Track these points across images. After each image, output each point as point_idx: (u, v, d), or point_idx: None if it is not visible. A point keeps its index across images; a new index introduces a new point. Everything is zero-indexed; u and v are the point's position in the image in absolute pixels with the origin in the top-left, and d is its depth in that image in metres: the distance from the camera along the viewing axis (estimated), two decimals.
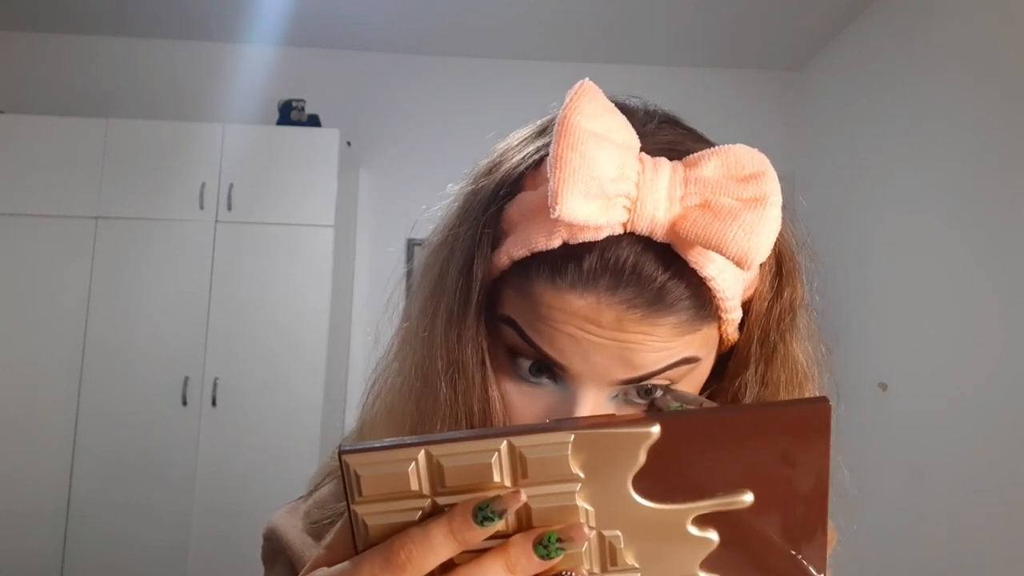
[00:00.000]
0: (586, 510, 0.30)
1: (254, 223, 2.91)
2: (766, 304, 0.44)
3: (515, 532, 0.30)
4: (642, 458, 0.29)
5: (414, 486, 0.29)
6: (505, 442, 0.28)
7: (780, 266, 0.45)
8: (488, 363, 0.41)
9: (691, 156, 0.39)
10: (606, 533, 0.30)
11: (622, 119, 0.38)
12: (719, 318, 0.41)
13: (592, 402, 0.40)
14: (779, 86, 3.48)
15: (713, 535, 0.30)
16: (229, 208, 2.90)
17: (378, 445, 0.28)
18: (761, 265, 0.43)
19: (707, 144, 0.42)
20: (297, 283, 2.89)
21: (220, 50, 3.37)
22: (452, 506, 0.29)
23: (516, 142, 0.45)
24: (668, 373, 0.39)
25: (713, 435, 0.29)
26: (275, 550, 0.53)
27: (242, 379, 2.83)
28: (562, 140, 0.35)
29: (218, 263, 2.88)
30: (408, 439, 0.29)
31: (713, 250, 0.36)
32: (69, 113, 3.08)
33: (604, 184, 0.35)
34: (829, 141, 3.19)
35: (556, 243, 0.38)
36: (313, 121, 3.14)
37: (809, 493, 0.30)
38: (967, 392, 2.21)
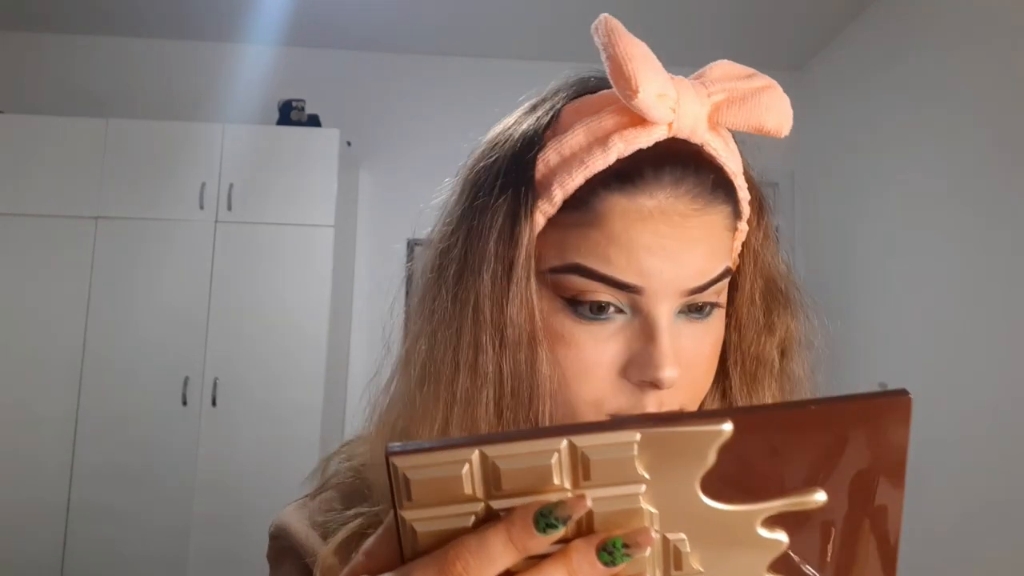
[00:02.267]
0: (650, 512, 0.28)
1: (254, 223, 2.91)
2: (753, 231, 0.49)
3: (575, 536, 0.27)
4: (712, 457, 0.27)
5: (467, 490, 0.27)
6: (565, 442, 0.26)
7: (760, 199, 0.49)
8: (539, 324, 0.42)
9: (692, 75, 0.44)
10: (670, 536, 0.28)
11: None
12: (740, 219, 0.46)
13: (667, 321, 0.41)
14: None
15: (783, 536, 0.29)
16: (229, 208, 2.90)
17: (427, 446, 0.26)
18: (749, 202, 0.47)
19: None
20: (297, 283, 2.89)
21: (220, 50, 3.37)
22: (508, 511, 0.27)
23: (512, 120, 0.47)
24: (715, 287, 0.43)
25: (786, 431, 0.27)
26: (283, 548, 0.52)
27: (242, 379, 2.83)
28: (621, 39, 0.40)
29: (218, 263, 2.88)
30: (459, 439, 0.27)
31: (752, 130, 0.43)
32: (69, 113, 3.08)
33: (664, 78, 0.40)
34: (829, 141, 3.19)
35: (612, 158, 0.40)
36: (313, 121, 3.14)
37: (884, 490, 0.29)
38: (967, 392, 2.21)
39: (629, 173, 0.40)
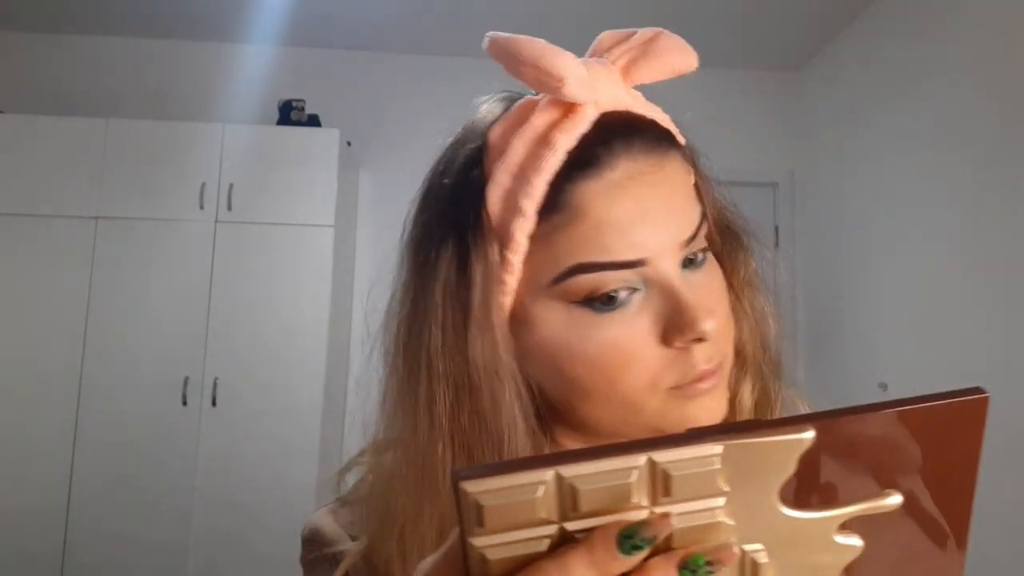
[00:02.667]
0: (728, 525, 0.27)
1: (254, 223, 2.91)
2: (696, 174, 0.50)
3: (652, 553, 0.26)
4: (793, 466, 0.26)
5: (542, 513, 0.25)
6: (645, 458, 0.25)
7: (689, 144, 0.50)
8: (502, 358, 0.42)
9: (586, 54, 0.46)
10: (747, 548, 0.28)
11: None
12: (690, 162, 0.47)
13: (679, 278, 0.42)
14: (777, 86, 3.49)
15: (856, 541, 0.28)
16: (229, 208, 2.90)
17: (499, 467, 0.25)
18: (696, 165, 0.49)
19: None
20: (297, 283, 2.89)
21: (220, 50, 3.37)
22: (584, 532, 0.26)
23: (438, 171, 0.48)
24: (701, 232, 0.44)
25: (866, 435, 0.27)
26: (317, 553, 0.51)
27: (242, 379, 2.83)
28: (520, 43, 0.42)
29: (218, 263, 2.88)
30: (530, 459, 0.25)
31: (667, 76, 0.45)
32: (69, 113, 3.08)
33: (575, 61, 0.41)
34: (828, 141, 3.19)
35: (562, 153, 0.41)
36: (313, 121, 3.14)
37: (956, 490, 0.28)
38: None
39: (584, 158, 0.41)
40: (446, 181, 0.45)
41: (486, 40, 0.43)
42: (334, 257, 2.93)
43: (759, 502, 0.27)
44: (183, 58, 3.37)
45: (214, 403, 2.81)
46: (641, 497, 0.26)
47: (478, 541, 0.25)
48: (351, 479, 0.56)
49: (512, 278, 0.42)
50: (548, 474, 0.25)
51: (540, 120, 0.42)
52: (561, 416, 0.46)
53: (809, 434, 0.26)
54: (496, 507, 0.25)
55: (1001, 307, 2.11)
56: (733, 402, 0.48)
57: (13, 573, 2.71)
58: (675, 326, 0.41)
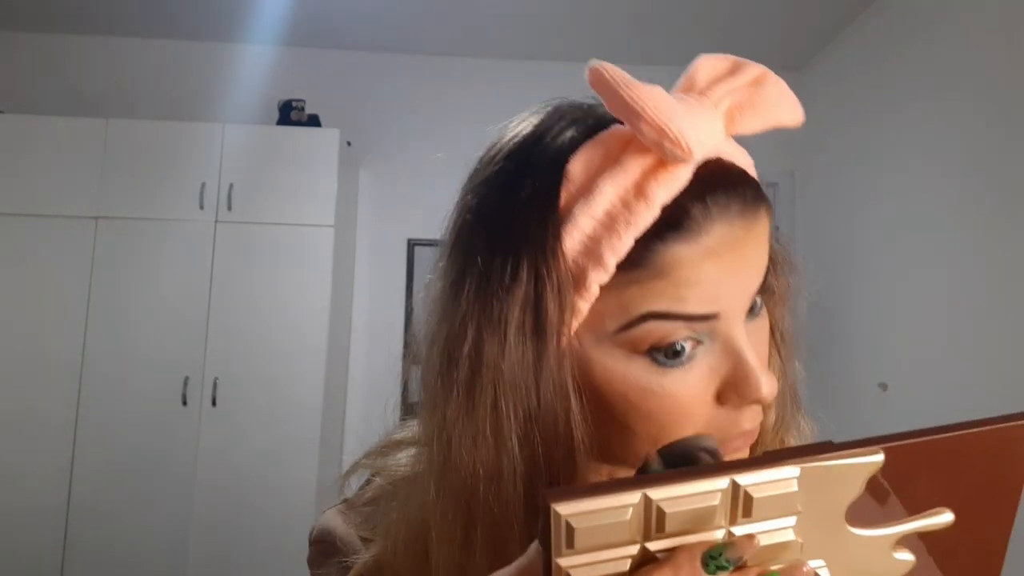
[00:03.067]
0: (798, 543, 0.28)
1: (254, 223, 2.91)
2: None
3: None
4: (861, 487, 0.28)
5: (628, 534, 0.26)
6: (729, 481, 0.26)
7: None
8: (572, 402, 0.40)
9: (676, 86, 0.42)
10: (812, 564, 0.29)
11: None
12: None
13: (743, 338, 0.41)
14: None
15: (910, 556, 0.30)
16: (229, 208, 2.90)
17: (589, 490, 0.26)
18: None
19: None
20: (297, 283, 2.89)
21: (220, 50, 3.37)
22: (665, 551, 0.27)
23: (501, 184, 0.43)
24: (766, 280, 0.43)
25: (929, 457, 0.29)
26: (327, 552, 0.51)
27: (242, 379, 2.83)
28: (641, 93, 0.37)
29: (218, 263, 2.88)
30: (617, 482, 0.26)
31: (769, 129, 0.42)
32: (69, 113, 3.09)
33: (690, 117, 0.38)
34: (829, 141, 3.19)
35: (658, 209, 0.38)
36: (313, 121, 3.14)
37: (1000, 506, 0.30)
38: (967, 392, 2.21)
39: (680, 219, 0.38)
40: (513, 206, 0.41)
41: (591, 70, 0.38)
42: (334, 257, 2.93)
43: (827, 520, 0.29)
44: (183, 58, 3.37)
45: (214, 403, 2.81)
46: (722, 518, 0.27)
47: (565, 561, 0.26)
48: (355, 481, 0.56)
49: (577, 322, 0.40)
50: (636, 496, 0.26)
51: (634, 165, 0.39)
52: (587, 444, 0.45)
53: (879, 457, 0.28)
54: (587, 529, 0.25)
55: (1001, 307, 2.11)
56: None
57: (13, 571, 2.71)
58: (735, 388, 0.40)
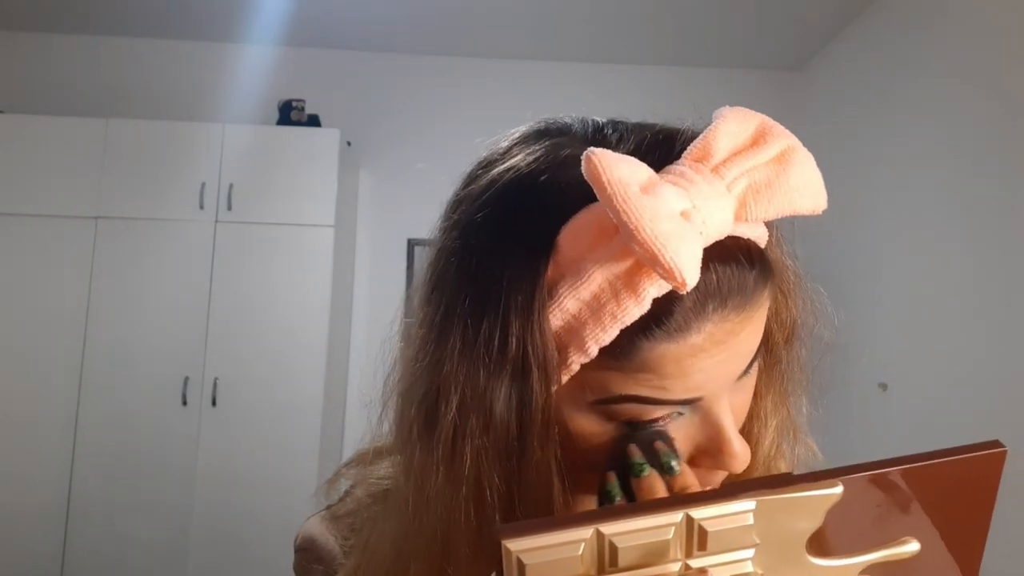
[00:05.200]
0: (757, 574, 0.28)
1: (254, 223, 2.91)
2: None
3: None
4: (821, 518, 0.28)
5: (581, 569, 0.26)
6: (682, 515, 0.26)
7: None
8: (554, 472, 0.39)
9: (692, 150, 0.38)
10: None
11: (631, 159, 0.36)
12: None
13: (727, 414, 0.40)
14: (779, 86, 3.49)
15: None
16: (229, 208, 2.90)
17: (540, 525, 0.26)
18: None
19: (660, 129, 0.43)
20: (297, 283, 2.89)
21: (220, 50, 3.37)
22: None
23: (486, 238, 0.40)
24: (757, 358, 0.41)
25: (890, 488, 0.28)
26: (311, 560, 0.51)
27: (242, 379, 2.83)
28: (632, 204, 0.33)
29: (218, 263, 2.88)
30: (571, 517, 0.26)
31: (785, 216, 0.39)
32: (69, 113, 3.08)
33: (686, 226, 0.34)
34: (829, 141, 3.19)
35: (647, 306, 0.36)
36: (313, 121, 3.14)
37: (970, 534, 0.30)
38: (967, 392, 2.21)
39: (670, 317, 0.36)
40: (501, 268, 0.38)
41: (586, 160, 0.34)
42: (334, 257, 2.93)
43: (787, 552, 0.28)
44: (183, 58, 3.37)
45: (214, 403, 2.81)
46: (677, 551, 0.27)
47: None
48: (343, 485, 0.56)
49: (555, 387, 0.39)
50: (588, 531, 0.26)
51: (628, 252, 0.35)
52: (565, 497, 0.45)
53: (838, 489, 0.27)
54: (538, 565, 0.25)
55: (1001, 307, 2.11)
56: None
57: (13, 572, 2.71)
58: (709, 456, 0.40)
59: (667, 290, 0.35)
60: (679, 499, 0.27)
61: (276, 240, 2.91)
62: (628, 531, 0.26)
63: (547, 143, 0.42)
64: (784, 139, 0.39)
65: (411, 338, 0.43)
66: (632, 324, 0.36)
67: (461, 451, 0.39)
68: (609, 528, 0.26)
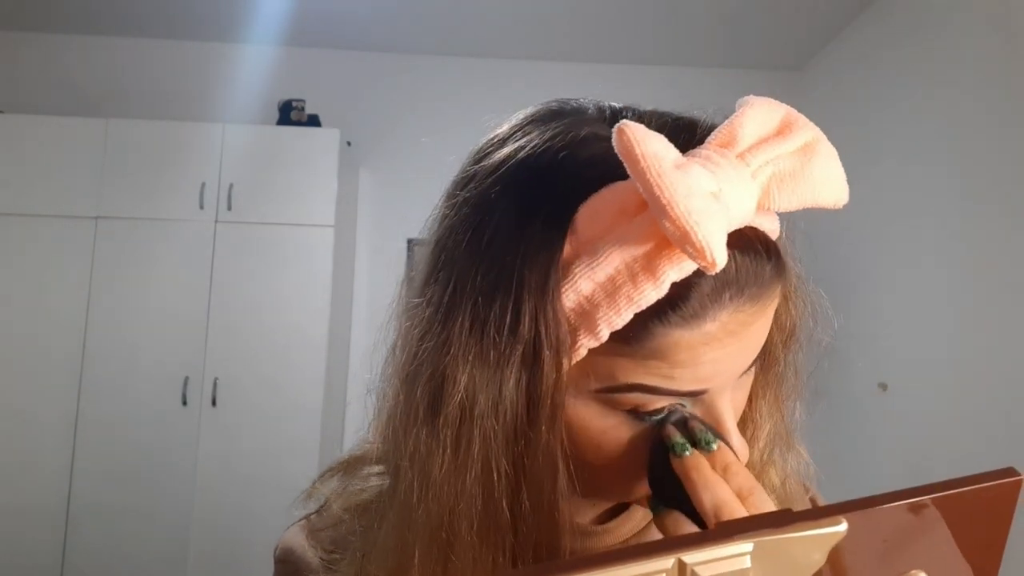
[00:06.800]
0: None
1: (254, 223, 2.91)
2: None
3: None
4: (823, 557, 0.26)
5: None
6: (674, 560, 0.25)
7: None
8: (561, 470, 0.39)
9: (717, 135, 0.37)
10: None
11: (662, 137, 0.35)
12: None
13: (727, 409, 0.40)
14: (779, 86, 3.48)
15: None
16: (229, 208, 2.90)
17: (531, 573, 0.25)
18: None
19: (679, 115, 0.42)
20: (297, 283, 2.89)
21: (220, 50, 3.37)
22: None
23: (501, 215, 0.39)
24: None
25: (897, 523, 0.27)
26: (290, 572, 0.51)
27: (242, 379, 2.83)
28: (665, 178, 0.32)
29: (218, 263, 2.88)
30: (557, 564, 0.25)
31: (807, 207, 0.38)
32: (69, 113, 3.08)
33: (717, 206, 0.33)
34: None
35: (665, 289, 0.35)
36: (313, 121, 3.14)
37: (982, 565, 0.29)
38: (967, 392, 2.21)
39: (686, 302, 0.35)
40: (517, 244, 0.37)
41: (618, 132, 0.33)
42: (334, 257, 2.93)
43: None
44: (183, 58, 3.37)
45: (214, 403, 2.81)
46: None
47: None
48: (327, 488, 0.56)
49: (562, 373, 0.38)
50: None
51: (648, 233, 0.34)
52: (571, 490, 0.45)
53: (842, 527, 0.26)
54: None
55: (1001, 307, 2.11)
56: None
57: (13, 572, 2.71)
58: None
59: (687, 274, 0.35)
60: (672, 543, 0.25)
61: (276, 240, 2.91)
62: None
63: (565, 121, 0.40)
64: (809, 131, 0.39)
65: (415, 319, 0.42)
66: (646, 309, 0.35)
67: (468, 435, 0.38)
68: None
